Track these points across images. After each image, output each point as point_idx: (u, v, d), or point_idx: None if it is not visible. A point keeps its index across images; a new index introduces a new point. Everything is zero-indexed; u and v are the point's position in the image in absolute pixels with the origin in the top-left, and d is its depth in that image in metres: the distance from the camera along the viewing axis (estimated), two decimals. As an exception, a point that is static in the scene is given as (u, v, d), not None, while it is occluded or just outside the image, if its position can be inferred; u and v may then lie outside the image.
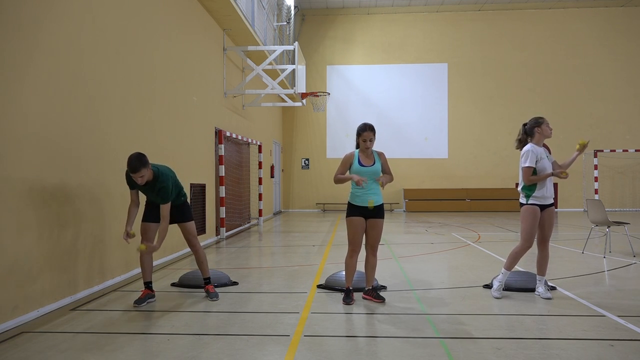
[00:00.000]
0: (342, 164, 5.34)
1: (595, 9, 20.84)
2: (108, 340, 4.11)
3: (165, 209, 5.18)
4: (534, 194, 5.41)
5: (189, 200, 5.75)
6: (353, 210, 5.30)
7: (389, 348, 3.90)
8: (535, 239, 5.53)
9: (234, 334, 4.28)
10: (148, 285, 5.35)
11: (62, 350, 3.90)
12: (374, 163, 5.28)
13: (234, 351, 3.84)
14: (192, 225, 5.58)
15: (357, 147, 5.39)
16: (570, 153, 20.31)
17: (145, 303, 5.22)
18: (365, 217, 5.29)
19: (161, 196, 5.16)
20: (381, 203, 5.33)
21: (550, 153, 5.65)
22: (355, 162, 5.27)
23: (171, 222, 5.42)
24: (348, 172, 5.33)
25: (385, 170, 5.35)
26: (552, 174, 5.32)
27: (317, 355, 3.75)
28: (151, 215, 5.35)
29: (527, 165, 5.34)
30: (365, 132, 5.23)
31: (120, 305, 5.29)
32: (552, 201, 5.47)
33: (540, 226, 5.49)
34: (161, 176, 5.16)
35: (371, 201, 5.17)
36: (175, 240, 8.59)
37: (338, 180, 5.31)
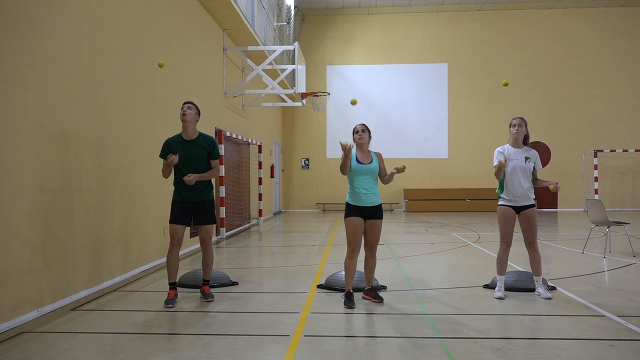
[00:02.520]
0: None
1: (595, 9, 20.84)
2: (108, 340, 4.11)
3: (217, 163, 5.48)
4: (501, 195, 5.53)
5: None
6: (351, 210, 5.28)
7: (389, 348, 3.91)
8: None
9: (234, 334, 4.28)
10: (173, 285, 5.36)
11: (62, 350, 3.90)
12: (372, 161, 5.32)
13: (234, 351, 3.84)
14: (213, 228, 5.61)
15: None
16: (570, 153, 20.20)
17: (175, 304, 5.24)
18: (364, 217, 5.28)
19: (215, 151, 5.42)
20: (379, 203, 5.34)
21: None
22: (354, 159, 5.28)
23: (195, 223, 5.48)
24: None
25: (382, 170, 5.40)
26: (500, 166, 5.36)
27: (317, 355, 3.75)
28: (179, 217, 5.37)
29: (494, 164, 5.54)
30: (358, 125, 5.40)
31: (120, 305, 5.29)
32: (528, 202, 5.49)
33: (521, 229, 5.59)
34: (208, 135, 5.49)
35: (353, 100, 5.31)
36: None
37: (341, 167, 5.18)
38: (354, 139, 5.40)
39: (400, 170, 5.23)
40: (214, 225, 5.63)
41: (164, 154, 5.38)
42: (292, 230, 13.55)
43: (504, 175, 5.55)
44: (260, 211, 15.02)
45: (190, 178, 5.17)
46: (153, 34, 7.80)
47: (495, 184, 21.12)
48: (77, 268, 5.53)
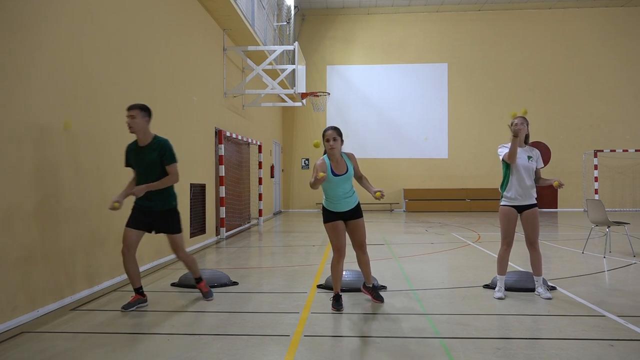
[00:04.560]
0: (314, 172, 4.94)
1: (595, 9, 20.85)
2: (108, 340, 4.11)
3: (174, 168, 5.04)
4: (504, 195, 5.50)
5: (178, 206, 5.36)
6: (330, 215, 5.07)
7: (389, 348, 3.90)
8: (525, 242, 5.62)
9: (234, 334, 4.28)
10: (138, 290, 5.13)
11: (62, 351, 3.90)
12: (347, 170, 5.02)
13: (234, 351, 3.84)
14: (179, 237, 5.23)
15: (325, 152, 5.09)
16: (570, 153, 20.13)
17: (135, 308, 5.03)
18: (344, 219, 5.10)
19: (167, 156, 5.00)
20: (357, 202, 5.14)
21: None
22: (329, 172, 4.95)
23: (157, 231, 5.17)
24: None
25: (357, 172, 5.14)
26: (515, 138, 5.30)
27: (317, 355, 3.75)
28: (135, 221, 5.04)
29: (501, 157, 5.53)
30: (328, 131, 5.00)
31: (120, 305, 5.28)
32: (531, 202, 5.46)
33: (523, 229, 5.56)
34: (162, 138, 5.09)
35: (316, 142, 4.97)
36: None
37: (313, 184, 4.85)
38: (324, 145, 5.02)
39: (378, 198, 4.96)
40: (180, 234, 5.24)
41: (126, 163, 5.15)
42: (292, 230, 13.55)
43: (508, 173, 5.51)
44: (260, 211, 15.02)
45: (135, 191, 4.84)
46: (153, 34, 7.80)
47: (496, 183, 21.20)
48: (77, 268, 5.53)
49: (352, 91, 21.34)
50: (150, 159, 4.98)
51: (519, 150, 5.48)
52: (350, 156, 5.15)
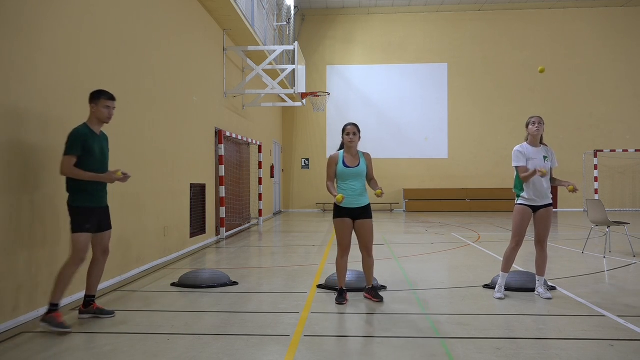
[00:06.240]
0: (328, 165, 5.34)
1: (595, 9, 20.85)
2: (108, 340, 4.11)
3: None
4: (522, 195, 5.48)
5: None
6: (340, 211, 5.27)
7: (388, 348, 3.91)
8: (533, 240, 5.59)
9: (234, 334, 4.28)
10: (91, 299, 4.69)
11: (62, 350, 3.90)
12: (359, 164, 5.28)
13: (234, 351, 3.84)
14: (71, 237, 4.59)
15: (341, 147, 5.42)
16: (570, 153, 20.16)
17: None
18: (353, 218, 5.28)
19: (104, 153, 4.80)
20: (367, 204, 5.33)
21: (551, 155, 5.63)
22: (340, 163, 5.27)
23: (99, 230, 4.75)
24: (335, 180, 5.35)
25: (370, 173, 5.36)
26: (534, 173, 5.28)
27: (317, 355, 3.75)
28: (101, 223, 4.74)
29: (514, 165, 5.49)
30: (349, 126, 5.31)
31: (120, 305, 5.28)
32: (546, 202, 5.45)
33: (535, 227, 5.53)
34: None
35: (340, 196, 5.06)
36: (175, 240, 8.59)
37: (328, 189, 5.34)
38: (343, 139, 5.36)
39: (378, 196, 5.09)
40: (72, 234, 4.59)
41: (83, 149, 4.48)
42: (292, 230, 13.56)
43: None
44: (260, 211, 15.02)
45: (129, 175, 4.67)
46: (153, 33, 7.80)
47: (496, 183, 21.24)
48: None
49: (352, 91, 21.35)
50: (106, 147, 4.87)
51: (534, 150, 5.46)
52: (367, 156, 5.41)
